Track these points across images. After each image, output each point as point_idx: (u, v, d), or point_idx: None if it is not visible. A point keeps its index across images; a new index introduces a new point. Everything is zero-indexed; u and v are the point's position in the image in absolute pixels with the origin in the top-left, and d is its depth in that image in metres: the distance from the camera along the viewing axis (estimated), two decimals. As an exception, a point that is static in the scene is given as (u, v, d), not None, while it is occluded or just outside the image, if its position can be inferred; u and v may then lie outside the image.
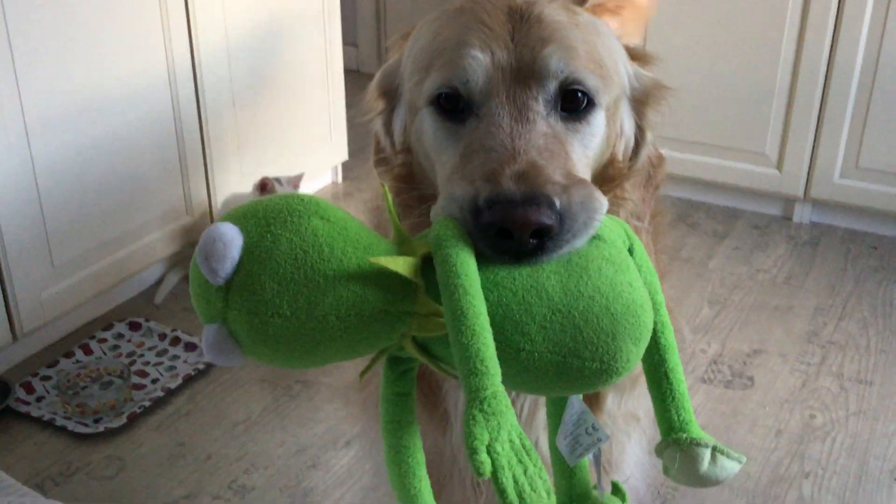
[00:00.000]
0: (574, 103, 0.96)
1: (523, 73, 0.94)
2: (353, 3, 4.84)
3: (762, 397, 2.34)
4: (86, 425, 2.16)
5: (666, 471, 0.97)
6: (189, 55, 2.67)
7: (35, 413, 2.20)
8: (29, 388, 2.29)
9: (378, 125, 1.13)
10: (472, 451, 0.75)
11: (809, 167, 3.18)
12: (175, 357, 2.46)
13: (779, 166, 3.23)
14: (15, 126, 2.20)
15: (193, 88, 2.71)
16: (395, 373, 0.92)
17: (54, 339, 2.51)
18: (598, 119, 0.98)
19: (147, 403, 2.24)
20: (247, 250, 0.81)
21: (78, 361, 2.41)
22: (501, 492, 0.76)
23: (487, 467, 0.75)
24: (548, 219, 0.82)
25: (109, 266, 2.55)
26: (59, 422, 2.17)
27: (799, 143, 3.16)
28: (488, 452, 0.76)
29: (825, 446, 2.17)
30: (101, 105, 2.42)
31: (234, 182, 2.95)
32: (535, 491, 0.77)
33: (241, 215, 0.84)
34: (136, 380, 2.36)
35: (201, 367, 2.39)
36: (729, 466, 0.94)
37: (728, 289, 2.87)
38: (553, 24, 0.97)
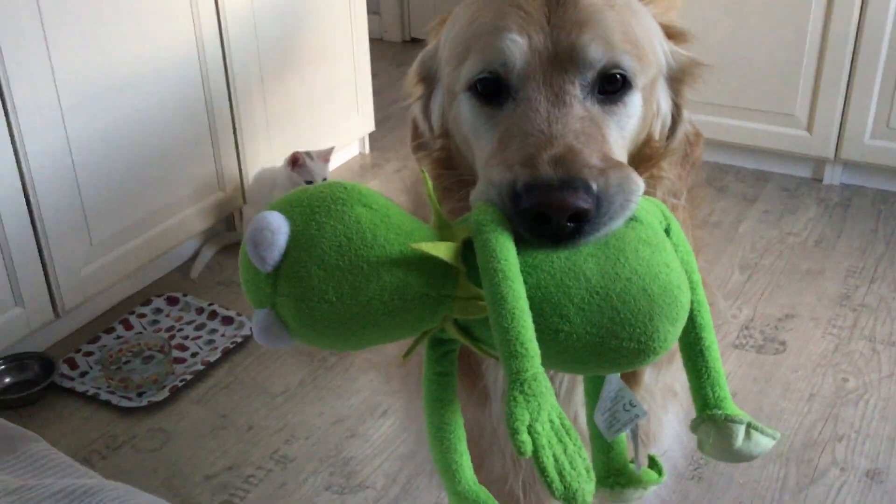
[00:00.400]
0: (612, 86, 0.97)
1: (561, 58, 0.95)
2: (375, -29, 4.82)
3: (794, 362, 2.36)
4: (129, 399, 2.22)
5: (701, 446, 0.99)
6: (217, 28, 2.69)
7: (80, 388, 2.26)
8: (72, 364, 2.35)
9: (417, 110, 1.13)
10: (514, 432, 0.78)
11: (840, 128, 3.16)
12: (213, 331, 2.51)
13: (809, 128, 3.21)
14: (50, 105, 2.23)
15: (222, 62, 2.73)
16: (437, 353, 0.94)
17: (95, 316, 2.57)
18: (635, 100, 0.99)
19: (188, 377, 2.29)
20: (293, 238, 0.83)
21: (119, 337, 2.46)
22: (542, 470, 0.79)
23: (528, 447, 0.78)
24: (585, 202, 0.83)
25: (146, 242, 2.60)
26: (104, 396, 2.23)
27: (829, 104, 3.13)
28: (529, 433, 0.78)
29: (858, 410, 2.18)
30: (132, 82, 2.45)
31: (265, 156, 2.98)
32: (574, 469, 0.80)
33: (287, 204, 0.86)
34: (176, 353, 2.41)
35: (239, 339, 2.44)
36: (763, 442, 0.96)
37: (759, 253, 2.87)
38: (589, 6, 0.97)
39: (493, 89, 0.97)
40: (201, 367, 2.33)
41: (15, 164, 2.19)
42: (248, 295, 0.87)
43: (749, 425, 0.95)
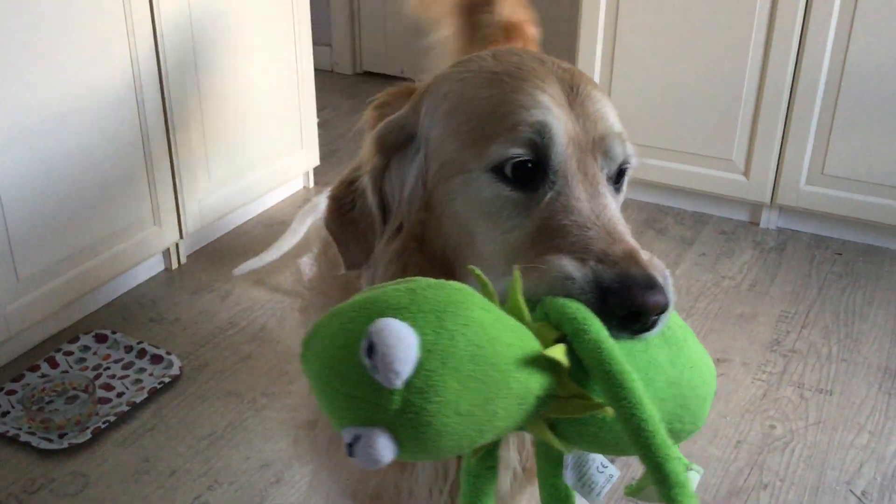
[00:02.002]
0: (620, 176, 1.03)
1: (590, 147, 0.97)
2: (326, 4, 4.83)
3: (724, 407, 2.38)
4: (50, 440, 2.17)
5: (637, 494, 0.98)
6: (155, 60, 2.66)
7: (0, 429, 2.20)
8: (-7, 403, 2.29)
9: (366, 182, 1.06)
10: None
11: (776, 174, 3.21)
12: (141, 370, 2.46)
13: (746, 173, 3.26)
14: (-24, 141, 2.19)
15: (160, 94, 2.71)
16: (489, 448, 0.92)
17: (21, 352, 2.51)
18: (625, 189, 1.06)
19: (112, 418, 2.24)
20: (426, 350, 0.76)
21: (44, 375, 2.40)
22: None
23: None
24: (665, 299, 0.86)
25: (76, 278, 2.55)
26: (24, 437, 2.17)
27: (766, 149, 3.19)
28: None
29: (784, 457, 2.20)
30: (64, 116, 2.42)
31: (203, 191, 2.96)
32: None
33: (405, 310, 0.79)
34: (101, 393, 2.36)
35: (167, 380, 2.39)
36: (691, 478, 0.97)
37: (693, 297, 2.89)
38: (600, 98, 1.01)
39: (525, 173, 0.95)
40: (126, 409, 2.28)
41: None
42: (350, 412, 0.78)
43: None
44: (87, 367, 2.46)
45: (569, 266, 0.87)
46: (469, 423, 0.78)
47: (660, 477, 0.81)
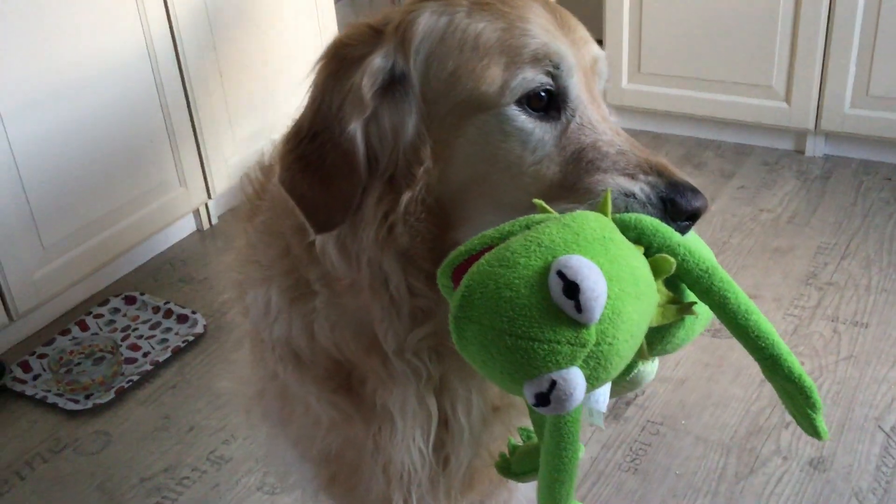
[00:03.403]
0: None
1: (589, 70, 1.00)
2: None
3: (750, 345, 2.29)
4: (76, 401, 2.24)
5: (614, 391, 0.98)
6: (167, 22, 2.67)
7: (29, 392, 2.28)
8: (26, 367, 2.37)
9: (355, 131, 0.96)
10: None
11: (819, 98, 3.05)
12: (167, 329, 2.51)
13: (787, 99, 3.11)
14: (-13, 112, 2.24)
15: (174, 56, 2.72)
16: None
17: (53, 318, 2.59)
18: None
19: (135, 378, 2.30)
20: (608, 279, 0.78)
21: (74, 338, 2.48)
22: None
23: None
24: (707, 200, 0.93)
25: (102, 243, 2.61)
26: (51, 399, 2.25)
27: (806, 73, 3.03)
28: None
29: (809, 394, 2.11)
30: (78, 83, 2.45)
31: (228, 149, 2.97)
32: None
33: (576, 245, 0.79)
34: (128, 354, 2.42)
35: (191, 338, 2.44)
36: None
37: (728, 232, 2.79)
38: (579, 23, 1.04)
39: (543, 103, 0.96)
40: (150, 368, 2.34)
41: None
42: (540, 362, 0.76)
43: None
44: (116, 329, 2.53)
45: (625, 183, 0.91)
46: (635, 342, 0.82)
47: (759, 348, 0.85)
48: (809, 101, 3.06)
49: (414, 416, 1.11)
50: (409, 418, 1.10)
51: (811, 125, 3.10)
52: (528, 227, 0.83)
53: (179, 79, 2.75)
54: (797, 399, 0.85)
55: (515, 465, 1.06)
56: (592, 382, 0.80)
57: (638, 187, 0.91)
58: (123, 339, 2.48)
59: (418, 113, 0.97)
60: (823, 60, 2.98)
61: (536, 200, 0.88)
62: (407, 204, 0.96)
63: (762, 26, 3.04)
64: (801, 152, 3.21)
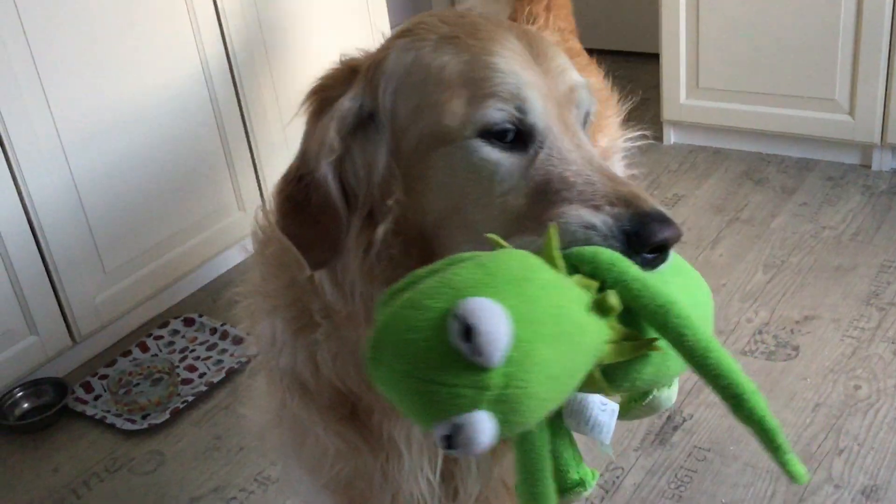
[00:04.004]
0: (585, 123, 1.05)
1: (563, 100, 0.99)
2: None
3: (804, 369, 2.23)
4: (133, 421, 2.31)
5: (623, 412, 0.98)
6: (223, 48, 2.73)
7: (90, 412, 2.36)
8: (88, 388, 2.46)
9: (325, 172, 0.99)
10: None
11: (884, 110, 2.96)
12: (223, 351, 2.57)
13: (851, 112, 3.02)
14: (49, 143, 2.33)
15: (231, 82, 2.78)
16: (555, 426, 0.91)
17: (114, 340, 2.67)
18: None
19: (190, 398, 2.36)
20: (514, 320, 0.75)
21: (135, 359, 2.56)
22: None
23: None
24: (679, 230, 0.89)
25: (163, 267, 2.69)
26: (110, 419, 2.32)
27: (870, 85, 2.94)
28: None
29: (865, 420, 2.04)
30: (136, 111, 2.53)
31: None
32: None
33: (485, 285, 0.77)
34: (185, 374, 2.49)
35: (244, 359, 2.49)
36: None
37: (787, 250, 2.72)
38: (559, 52, 1.03)
39: (510, 134, 0.96)
40: (204, 388, 2.40)
41: (19, 202, 2.30)
42: (445, 404, 0.75)
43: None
44: (174, 350, 2.60)
45: (587, 215, 0.88)
46: (558, 384, 0.79)
47: (721, 387, 0.82)
48: (874, 113, 2.96)
49: (420, 447, 1.11)
50: (415, 449, 1.11)
51: (877, 138, 3.00)
52: (451, 266, 0.81)
53: (236, 103, 2.81)
54: (763, 440, 0.83)
55: None
56: (506, 426, 0.77)
57: (600, 219, 0.88)
58: (181, 361, 2.54)
59: (388, 148, 1.00)
60: (888, 71, 2.89)
61: (489, 235, 0.87)
62: (384, 236, 0.99)
63: (823, 38, 2.96)
64: (868, 166, 3.11)
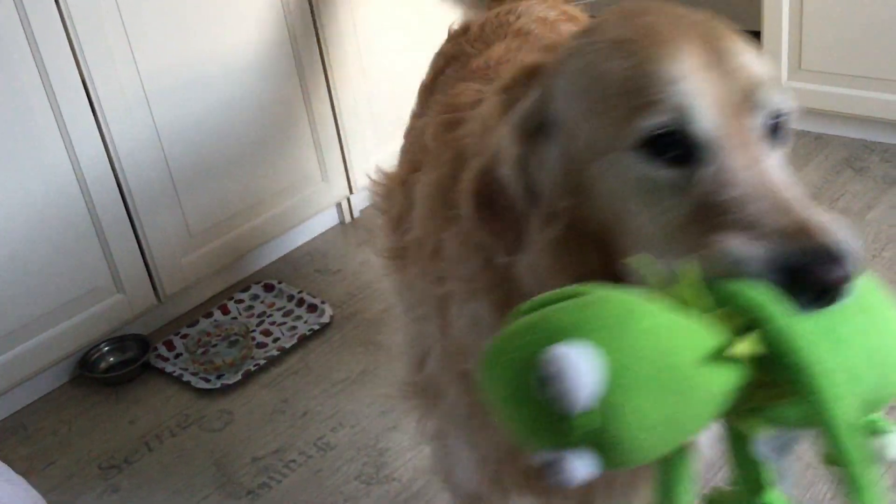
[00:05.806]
0: (777, 127, 0.95)
1: (741, 106, 0.91)
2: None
3: (884, 368, 2.12)
4: (207, 381, 2.40)
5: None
6: (309, 11, 2.75)
7: (169, 369, 2.47)
8: (169, 346, 2.57)
9: (508, 173, 1.02)
10: None
11: None
12: (298, 317, 2.64)
13: (965, 99, 2.84)
14: (134, 92, 2.38)
15: (317, 46, 2.79)
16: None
17: (199, 301, 2.77)
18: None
19: (262, 362, 2.44)
20: (605, 369, 0.75)
21: (215, 321, 2.65)
22: None
23: None
24: (847, 270, 0.80)
25: (246, 232, 2.77)
26: (186, 377, 2.42)
27: None
28: None
29: (944, 427, 1.94)
30: (220, 69, 2.57)
31: (372, 145, 3.05)
32: None
33: (576, 329, 0.77)
34: (260, 339, 2.57)
35: (317, 327, 2.55)
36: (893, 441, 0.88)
37: (881, 244, 2.59)
38: (743, 48, 0.95)
39: (674, 148, 0.90)
40: (276, 353, 2.47)
41: (104, 151, 2.36)
42: (536, 437, 0.78)
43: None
44: (252, 315, 2.68)
45: (741, 247, 0.81)
46: (660, 434, 0.77)
47: (845, 475, 0.78)
48: None
49: None
50: None
51: None
52: (569, 298, 0.81)
53: (322, 68, 2.83)
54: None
55: None
56: (610, 464, 0.76)
57: (758, 251, 0.80)
58: (258, 325, 2.62)
59: (560, 152, 0.99)
60: None
61: (635, 258, 0.84)
62: (561, 235, 0.99)
63: (937, 20, 2.79)
64: (982, 157, 2.93)
